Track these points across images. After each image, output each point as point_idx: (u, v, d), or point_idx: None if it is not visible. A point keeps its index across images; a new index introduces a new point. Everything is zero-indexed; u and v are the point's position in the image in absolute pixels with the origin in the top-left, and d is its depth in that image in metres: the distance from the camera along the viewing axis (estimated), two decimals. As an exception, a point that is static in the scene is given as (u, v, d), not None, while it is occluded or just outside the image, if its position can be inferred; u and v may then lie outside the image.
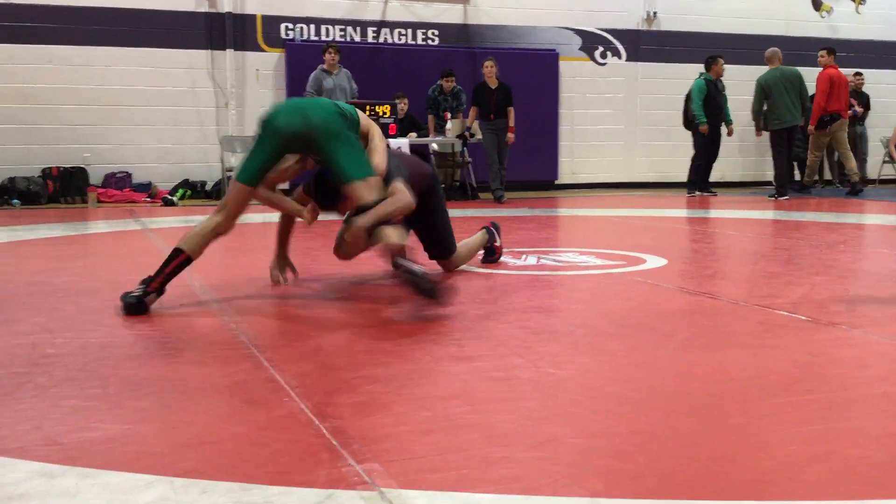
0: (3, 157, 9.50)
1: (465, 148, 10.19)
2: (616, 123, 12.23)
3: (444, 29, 11.23)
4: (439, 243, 4.11)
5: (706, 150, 10.44)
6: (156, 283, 3.25)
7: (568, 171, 12.02)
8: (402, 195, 3.44)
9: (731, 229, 6.65)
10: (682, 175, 11.04)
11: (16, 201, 9.04)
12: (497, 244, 4.53)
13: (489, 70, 9.62)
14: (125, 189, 9.74)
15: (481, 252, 4.50)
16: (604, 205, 9.40)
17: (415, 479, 1.61)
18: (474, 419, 1.98)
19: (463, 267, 4.27)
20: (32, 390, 2.22)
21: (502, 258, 4.61)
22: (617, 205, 9.44)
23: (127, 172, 9.92)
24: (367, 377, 2.39)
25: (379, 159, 3.52)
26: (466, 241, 4.32)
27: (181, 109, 10.25)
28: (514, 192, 10.55)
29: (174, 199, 9.54)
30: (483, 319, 3.17)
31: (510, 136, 9.67)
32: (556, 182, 11.88)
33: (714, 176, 10.86)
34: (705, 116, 10.21)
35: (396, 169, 3.58)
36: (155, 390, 2.24)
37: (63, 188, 9.56)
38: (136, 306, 3.17)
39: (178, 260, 3.31)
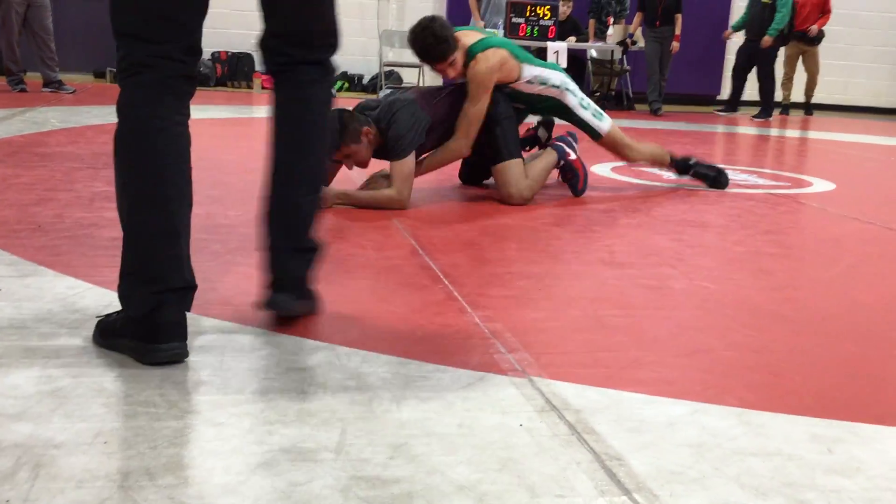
0: (177, 39, 9.96)
1: (624, 55, 9.84)
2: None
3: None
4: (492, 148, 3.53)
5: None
6: None
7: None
8: (387, 193, 3.27)
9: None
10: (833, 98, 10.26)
11: (187, 83, 9.50)
12: (572, 158, 3.71)
13: (659, -27, 9.17)
14: (287, 77, 10.04)
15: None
16: (770, 125, 8.92)
17: (564, 372, 1.64)
18: (624, 322, 1.99)
19: (615, 177, 4.19)
20: (209, 255, 2.39)
21: (663, 172, 4.47)
22: (783, 125, 8.94)
23: (290, 61, 10.20)
24: (518, 273, 2.43)
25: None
26: (532, 163, 3.63)
27: (344, 1, 10.36)
28: (672, 105, 10.16)
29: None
30: (635, 228, 3.14)
31: (675, 44, 9.24)
32: (719, 97, 11.34)
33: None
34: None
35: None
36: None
37: (230, 72, 9.96)
38: None
39: None
